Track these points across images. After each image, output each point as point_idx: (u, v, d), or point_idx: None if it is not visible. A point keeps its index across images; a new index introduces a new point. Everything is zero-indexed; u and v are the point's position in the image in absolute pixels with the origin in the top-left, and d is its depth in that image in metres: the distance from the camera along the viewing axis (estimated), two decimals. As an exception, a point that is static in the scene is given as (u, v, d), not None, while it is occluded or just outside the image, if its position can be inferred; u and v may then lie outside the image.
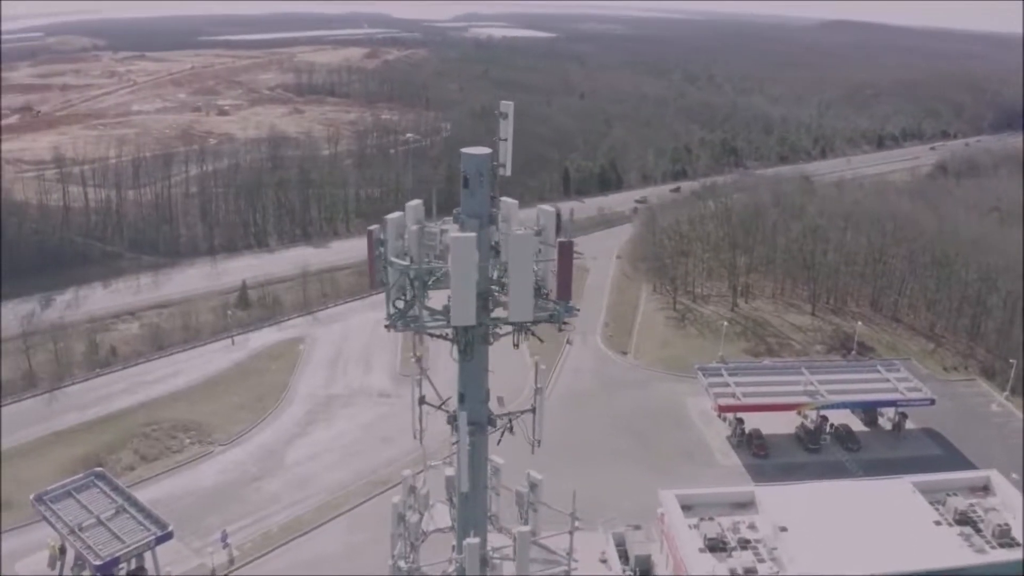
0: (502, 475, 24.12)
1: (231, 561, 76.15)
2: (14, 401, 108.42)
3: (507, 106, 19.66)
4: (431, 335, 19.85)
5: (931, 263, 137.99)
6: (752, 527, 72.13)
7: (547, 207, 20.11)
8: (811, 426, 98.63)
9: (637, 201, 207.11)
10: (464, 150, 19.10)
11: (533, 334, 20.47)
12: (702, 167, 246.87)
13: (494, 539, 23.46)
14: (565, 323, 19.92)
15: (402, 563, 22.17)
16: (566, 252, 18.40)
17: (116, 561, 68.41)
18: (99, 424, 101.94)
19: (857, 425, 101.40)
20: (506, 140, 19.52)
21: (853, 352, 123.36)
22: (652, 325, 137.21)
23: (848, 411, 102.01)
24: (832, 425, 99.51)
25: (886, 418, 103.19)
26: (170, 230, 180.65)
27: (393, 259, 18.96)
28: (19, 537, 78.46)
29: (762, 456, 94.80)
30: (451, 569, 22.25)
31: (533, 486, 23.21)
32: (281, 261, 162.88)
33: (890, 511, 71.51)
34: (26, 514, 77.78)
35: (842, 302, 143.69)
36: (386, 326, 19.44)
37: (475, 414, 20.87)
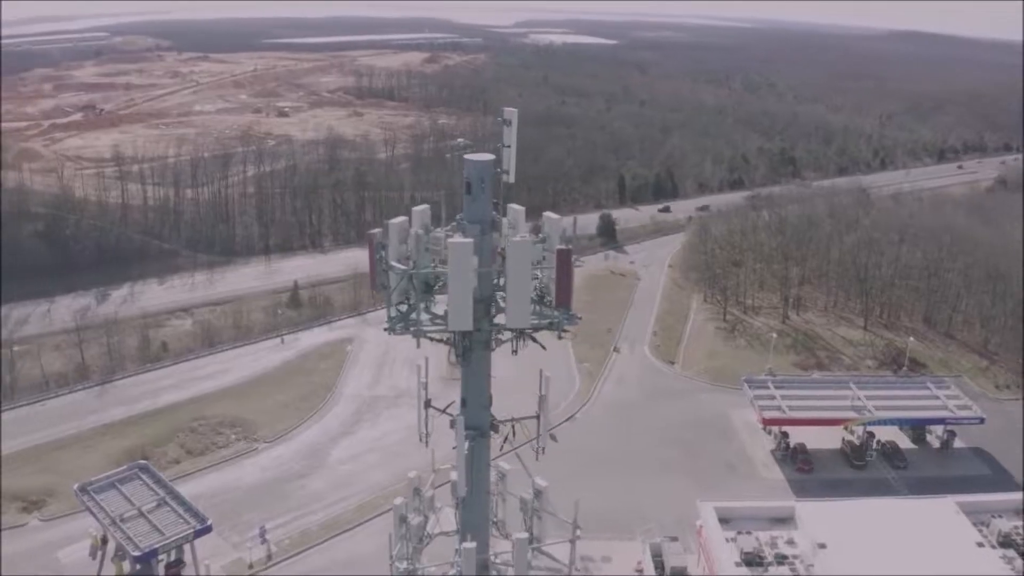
0: (508, 481, 24.05)
1: (269, 557, 76.89)
2: (66, 392, 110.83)
3: (511, 113, 19.71)
4: (431, 339, 19.88)
5: (987, 279, 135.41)
6: (790, 543, 71.21)
7: (552, 215, 20.14)
8: (857, 442, 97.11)
9: (699, 209, 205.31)
10: (467, 156, 19.16)
11: (535, 341, 20.44)
12: (759, 177, 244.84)
13: (502, 545, 23.40)
14: (566, 331, 19.84)
15: (399, 564, 22.23)
16: (565, 260, 18.38)
17: (154, 552, 69.38)
18: (147, 418, 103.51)
19: (904, 442, 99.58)
20: (510, 147, 19.54)
21: (904, 368, 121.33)
22: (701, 335, 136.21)
23: (896, 428, 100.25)
24: (879, 442, 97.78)
25: (934, 436, 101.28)
26: (226, 229, 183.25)
27: (393, 263, 19.02)
28: (62, 526, 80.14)
29: (806, 471, 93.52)
30: (451, 572, 22.29)
31: (538, 493, 23.15)
32: (334, 262, 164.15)
33: (932, 531, 70.16)
34: (70, 504, 79.14)
35: (895, 317, 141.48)
36: (385, 329, 19.56)
37: (476, 419, 20.94)
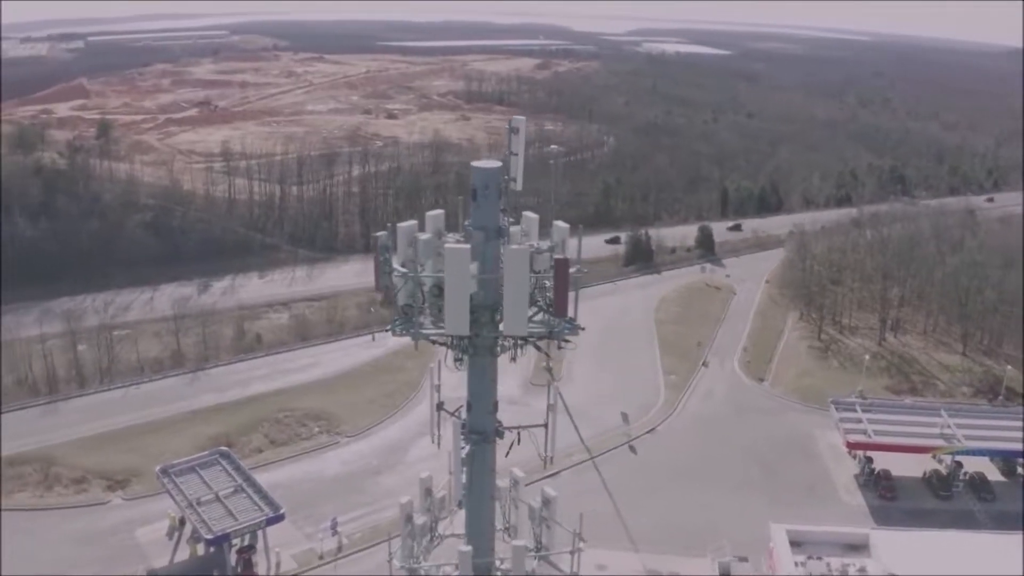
0: (521, 488, 24.19)
1: (339, 549, 78.16)
2: (160, 378, 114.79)
3: (518, 121, 19.93)
4: (433, 342, 20.19)
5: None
6: (862, 570, 69.55)
7: (561, 223, 20.33)
8: (944, 471, 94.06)
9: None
10: (474, 163, 19.52)
11: (538, 348, 20.61)
12: (867, 194, 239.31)
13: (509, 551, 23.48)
14: (566, 340, 19.96)
15: (397, 561, 22.61)
16: (562, 269, 18.53)
17: (227, 536, 71.28)
18: (235, 406, 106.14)
19: (994, 474, 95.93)
20: (517, 155, 19.77)
21: (1000, 397, 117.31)
22: (794, 353, 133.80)
23: (986, 459, 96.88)
24: (967, 472, 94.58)
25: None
26: (328, 227, 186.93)
27: (396, 266, 19.45)
28: (143, 506, 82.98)
29: (888, 498, 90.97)
30: (453, 573, 22.55)
31: (546, 502, 23.23)
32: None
33: (1009, 568, 67.84)
34: (153, 485, 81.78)
35: (996, 343, 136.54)
36: (386, 329, 19.95)
37: (480, 424, 21.17)
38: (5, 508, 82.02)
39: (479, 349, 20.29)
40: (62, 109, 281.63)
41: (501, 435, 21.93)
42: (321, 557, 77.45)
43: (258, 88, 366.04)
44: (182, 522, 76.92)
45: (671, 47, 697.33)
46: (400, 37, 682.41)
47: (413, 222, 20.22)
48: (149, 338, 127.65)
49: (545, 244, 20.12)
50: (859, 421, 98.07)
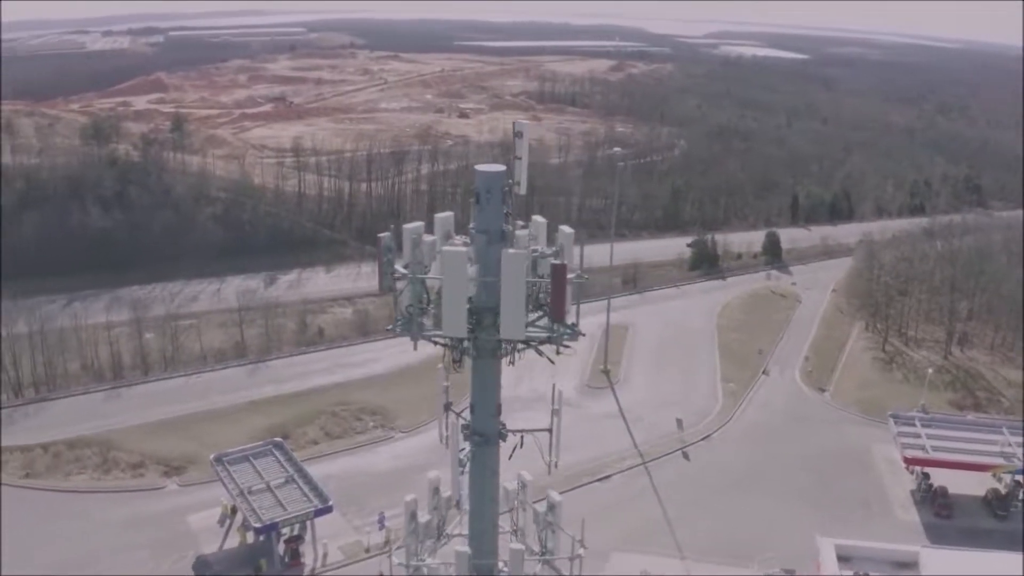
0: (529, 491, 24.26)
1: (386, 542, 78.74)
2: (222, 368, 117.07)
3: (522, 125, 20.07)
4: (434, 343, 20.39)
5: None
6: (910, 588, 68.39)
7: (567, 228, 20.41)
8: (1004, 491, 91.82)
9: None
10: (478, 167, 19.70)
11: (540, 353, 20.69)
12: (942, 204, 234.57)
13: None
14: (566, 346, 20.01)
15: (396, 557, 22.85)
16: (560, 275, 18.60)
17: (275, 526, 72.30)
18: (293, 398, 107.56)
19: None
20: (521, 158, 19.92)
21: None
22: (856, 364, 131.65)
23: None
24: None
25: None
26: (396, 224, 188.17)
27: (397, 267, 19.72)
28: (197, 493, 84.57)
29: (944, 516, 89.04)
30: (455, 574, 22.71)
31: (551, 507, 23.27)
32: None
33: (1065, 593, 66.05)
34: (208, 473, 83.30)
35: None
36: (388, 329, 20.23)
37: (483, 426, 21.33)
38: (63, 490, 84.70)
39: (481, 352, 20.44)
40: (140, 102, 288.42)
41: (504, 438, 22.01)
42: (367, 550, 78.26)
43: (333, 85, 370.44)
44: (234, 510, 78.14)
45: (748, 50, 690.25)
46: (476, 37, 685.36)
47: (419, 223, 20.48)
48: (214, 328, 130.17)
49: (551, 249, 20.24)
50: (918, 436, 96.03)
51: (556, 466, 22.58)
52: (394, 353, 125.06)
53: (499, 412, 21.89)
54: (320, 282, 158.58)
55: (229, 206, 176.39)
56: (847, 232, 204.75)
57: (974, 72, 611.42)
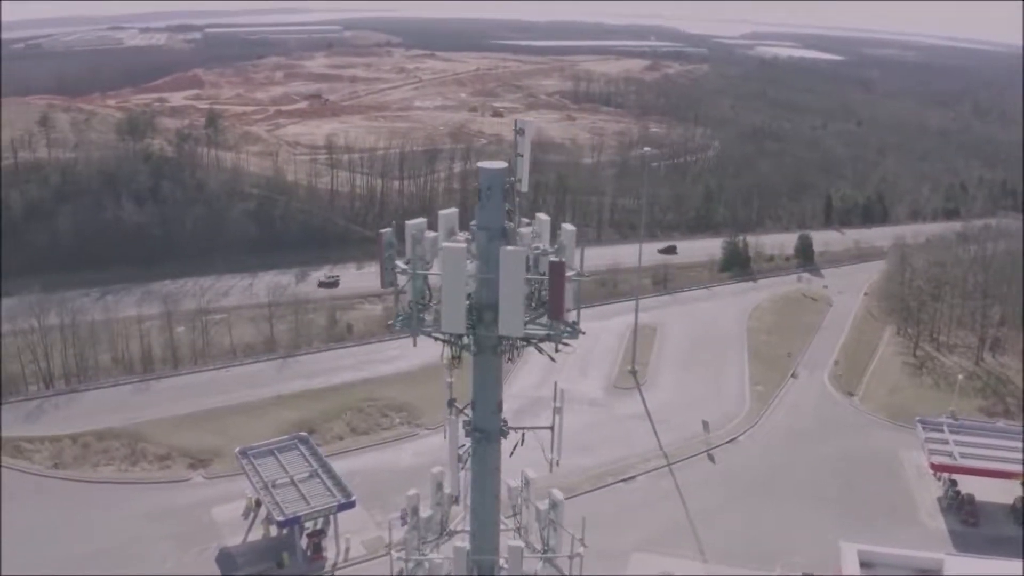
0: (532, 489, 24.31)
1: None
2: (251, 362, 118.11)
3: (524, 123, 20.04)
4: (435, 339, 20.47)
5: None
6: (932, 595, 67.71)
7: (569, 225, 20.41)
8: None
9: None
10: (480, 164, 19.75)
11: (540, 350, 20.68)
12: (976, 208, 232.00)
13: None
14: (565, 343, 19.96)
15: (395, 552, 23.01)
16: (557, 272, 18.57)
17: (297, 520, 72.86)
18: (320, 393, 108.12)
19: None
20: (522, 156, 19.93)
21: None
22: (887, 369, 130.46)
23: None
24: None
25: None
26: (429, 221, 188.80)
27: (397, 263, 19.83)
28: (222, 486, 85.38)
29: (971, 524, 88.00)
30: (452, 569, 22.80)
31: (554, 505, 23.29)
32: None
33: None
34: (233, 466, 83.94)
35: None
36: (388, 324, 20.35)
37: (484, 422, 21.38)
38: (91, 480, 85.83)
39: (482, 348, 20.50)
40: (176, 98, 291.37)
41: (505, 435, 22.04)
42: (388, 545, 78.55)
43: (368, 83, 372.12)
44: (258, 503, 78.80)
45: (784, 51, 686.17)
46: (512, 36, 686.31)
47: (422, 220, 20.59)
48: (244, 323, 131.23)
49: (553, 247, 20.24)
50: (945, 442, 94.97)
51: (558, 464, 22.58)
52: (422, 350, 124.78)
53: (500, 409, 21.90)
54: (351, 279, 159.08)
55: (262, 202, 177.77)
56: (880, 235, 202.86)
57: (1012, 75, 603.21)
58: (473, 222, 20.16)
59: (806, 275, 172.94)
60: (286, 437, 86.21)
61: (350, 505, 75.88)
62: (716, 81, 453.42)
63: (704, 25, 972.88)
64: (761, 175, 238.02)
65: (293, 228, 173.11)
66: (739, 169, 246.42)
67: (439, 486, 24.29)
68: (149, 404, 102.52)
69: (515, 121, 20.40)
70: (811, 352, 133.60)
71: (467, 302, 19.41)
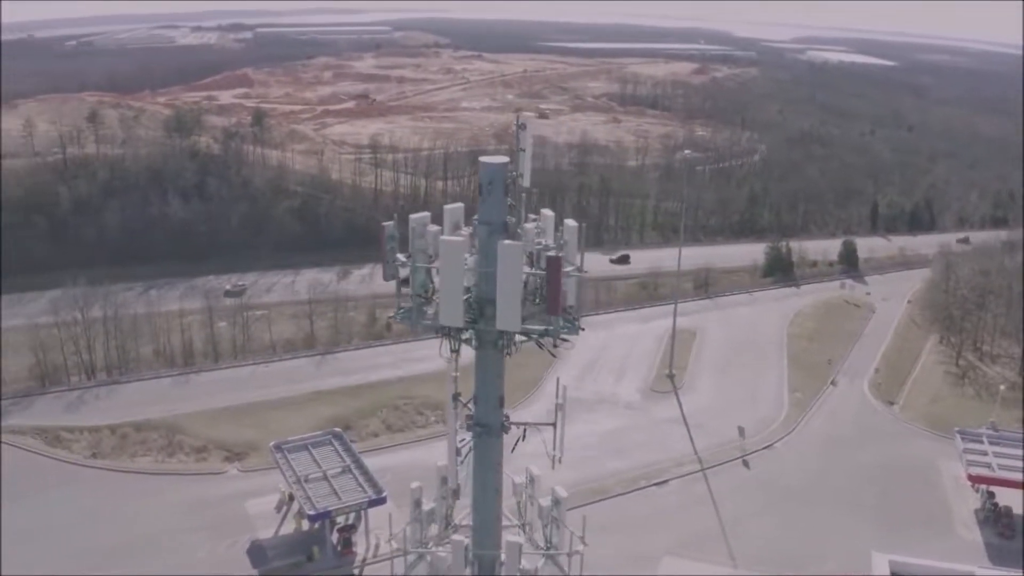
0: (537, 486, 24.43)
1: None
2: (290, 358, 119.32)
3: (526, 118, 20.22)
4: (435, 332, 20.60)
5: None
6: (964, 607, 66.80)
7: (571, 222, 20.47)
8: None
9: (959, 240, 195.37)
10: (482, 159, 19.90)
11: (540, 346, 20.74)
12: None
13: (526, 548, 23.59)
14: (564, 339, 20.01)
15: (395, 543, 23.17)
16: (555, 268, 18.61)
17: (327, 514, 73.40)
18: (358, 390, 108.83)
19: None
20: (524, 151, 20.07)
21: None
22: (928, 378, 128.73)
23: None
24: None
25: None
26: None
27: (399, 256, 20.02)
28: (256, 479, 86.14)
29: (1007, 537, 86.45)
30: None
31: (556, 502, 23.36)
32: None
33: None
34: (268, 460, 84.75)
35: None
36: (390, 318, 20.54)
37: (485, 417, 21.48)
38: (127, 471, 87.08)
39: (483, 343, 20.62)
40: (225, 97, 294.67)
41: (506, 430, 22.12)
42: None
43: (415, 84, 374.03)
44: (291, 497, 79.51)
45: (835, 56, 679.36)
46: (560, 38, 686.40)
47: (426, 214, 20.78)
48: (285, 320, 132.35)
49: (559, 243, 20.31)
50: (984, 453, 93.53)
51: (560, 461, 22.63)
52: (462, 349, 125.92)
53: (502, 404, 21.98)
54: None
55: (306, 200, 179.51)
56: (927, 243, 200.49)
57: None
58: (475, 216, 20.31)
59: (850, 281, 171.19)
60: (320, 433, 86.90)
61: (381, 501, 76.15)
62: (765, 85, 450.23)
63: (754, 28, 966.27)
64: (807, 180, 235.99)
65: (336, 226, 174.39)
66: (785, 174, 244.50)
67: (444, 480, 24.39)
68: (188, 397, 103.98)
69: (516, 116, 20.57)
70: (852, 359, 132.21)
71: (469, 297, 19.53)
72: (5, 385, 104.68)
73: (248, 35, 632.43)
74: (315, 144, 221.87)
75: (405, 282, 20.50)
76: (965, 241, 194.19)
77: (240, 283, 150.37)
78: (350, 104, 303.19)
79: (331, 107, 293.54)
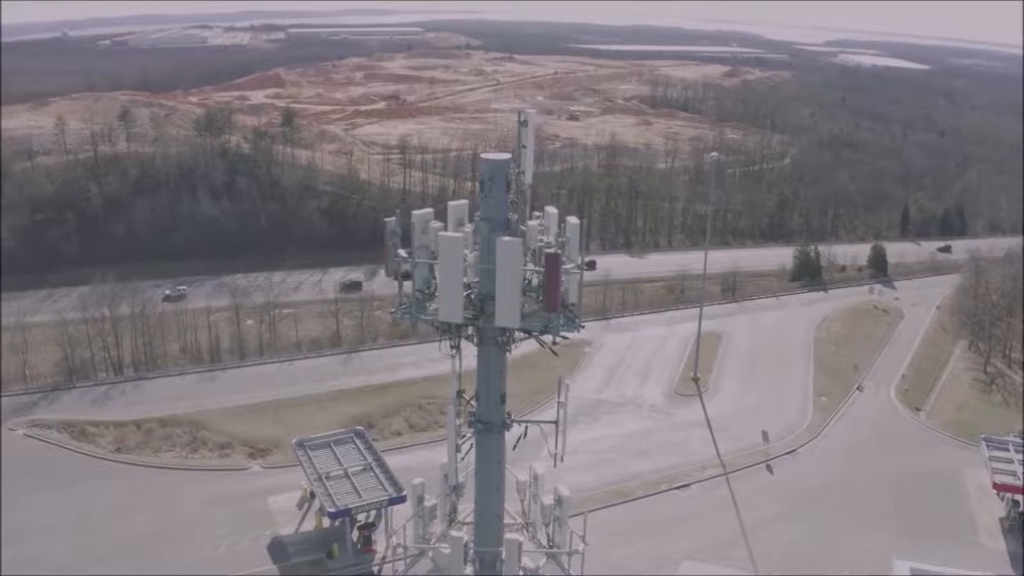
0: (541, 484, 24.49)
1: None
2: (315, 356, 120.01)
3: (528, 114, 20.29)
4: (436, 327, 20.69)
5: None
6: (985, 617, 66.10)
7: (573, 219, 20.46)
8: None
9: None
10: (483, 155, 19.93)
11: (541, 343, 20.77)
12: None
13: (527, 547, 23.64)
14: (564, 337, 20.02)
15: (395, 537, 23.29)
16: (553, 264, 18.61)
17: (347, 512, 73.54)
18: (382, 389, 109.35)
19: None
20: (526, 148, 20.11)
21: None
22: (956, 385, 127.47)
23: None
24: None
25: None
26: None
27: (400, 252, 20.13)
28: (279, 476, 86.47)
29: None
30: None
31: (559, 501, 23.41)
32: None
33: None
34: (290, 457, 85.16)
35: None
36: (391, 313, 20.66)
37: (487, 414, 21.60)
38: (151, 465, 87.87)
39: (484, 340, 20.68)
40: (257, 96, 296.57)
41: (508, 427, 22.21)
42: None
43: (446, 85, 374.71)
44: (312, 495, 79.88)
45: (868, 59, 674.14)
46: (591, 40, 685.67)
47: (429, 210, 20.85)
48: (312, 318, 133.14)
49: (560, 240, 20.32)
50: (1010, 462, 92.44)
51: (562, 459, 22.67)
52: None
53: (504, 400, 22.06)
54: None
55: (335, 200, 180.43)
56: (957, 248, 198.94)
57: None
58: (477, 213, 20.35)
59: (878, 287, 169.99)
60: (342, 431, 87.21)
61: (401, 500, 76.20)
62: (796, 88, 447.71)
63: (787, 31, 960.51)
64: (837, 184, 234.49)
65: (364, 226, 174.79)
66: (815, 177, 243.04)
67: (447, 476, 24.50)
68: (213, 393, 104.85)
69: (519, 111, 20.61)
70: (879, 365, 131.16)
71: (471, 293, 19.58)
72: (32, 380, 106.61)
73: (281, 36, 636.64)
74: (345, 144, 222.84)
75: (408, 277, 20.58)
76: (946, 250, 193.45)
77: (180, 287, 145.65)
78: (381, 105, 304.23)
79: (362, 107, 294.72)
